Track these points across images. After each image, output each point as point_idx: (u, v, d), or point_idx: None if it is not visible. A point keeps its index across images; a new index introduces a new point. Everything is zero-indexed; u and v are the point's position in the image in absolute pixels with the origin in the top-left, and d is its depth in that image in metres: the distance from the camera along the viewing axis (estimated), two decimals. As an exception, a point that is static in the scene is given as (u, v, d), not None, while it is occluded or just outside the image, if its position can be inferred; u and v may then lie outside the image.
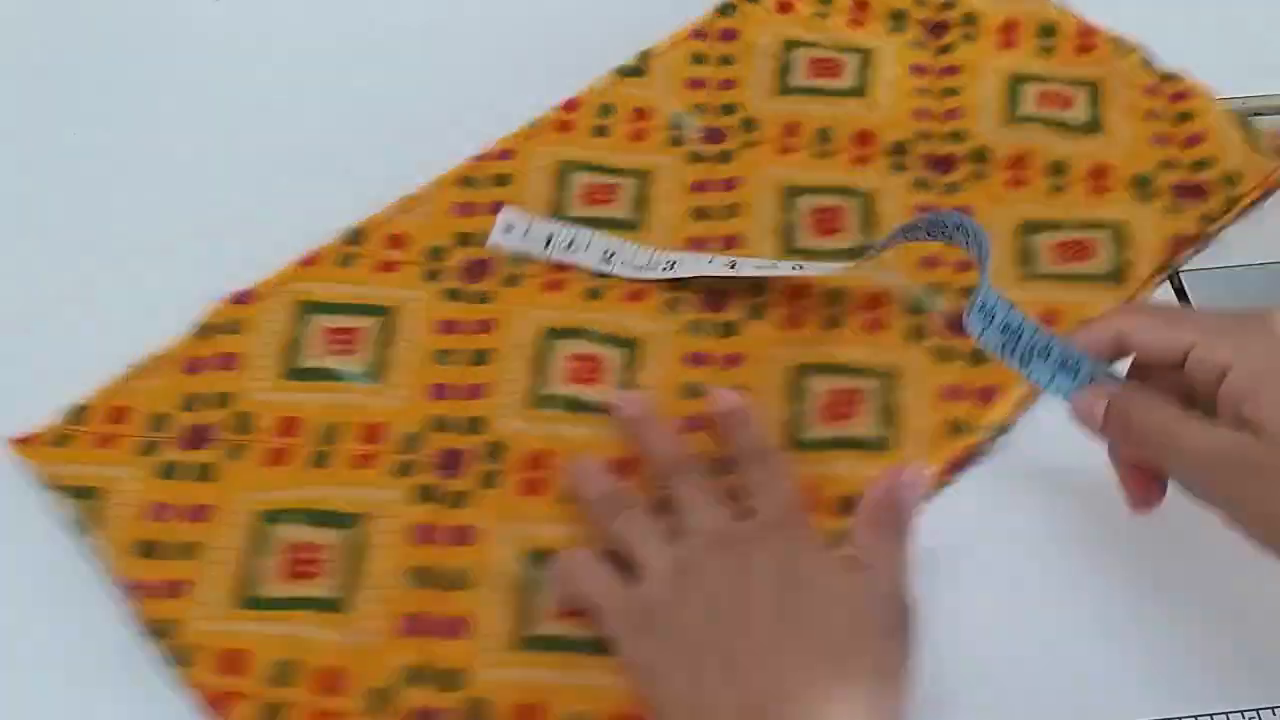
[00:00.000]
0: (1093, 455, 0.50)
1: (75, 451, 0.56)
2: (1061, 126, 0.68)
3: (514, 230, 0.64)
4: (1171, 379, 0.48)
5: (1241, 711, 0.49)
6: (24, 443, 0.56)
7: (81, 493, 0.55)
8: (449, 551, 0.54)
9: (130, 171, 0.67)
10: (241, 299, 0.61)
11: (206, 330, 0.60)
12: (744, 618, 0.47)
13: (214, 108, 0.70)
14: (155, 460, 0.56)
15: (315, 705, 0.50)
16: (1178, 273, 0.63)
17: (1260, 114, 0.70)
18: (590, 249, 0.63)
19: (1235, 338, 0.46)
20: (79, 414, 0.57)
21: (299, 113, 0.70)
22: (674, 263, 0.62)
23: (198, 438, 0.57)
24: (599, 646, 0.51)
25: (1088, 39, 0.71)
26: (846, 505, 0.55)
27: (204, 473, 0.56)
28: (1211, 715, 0.49)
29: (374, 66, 0.72)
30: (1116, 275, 0.62)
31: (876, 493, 0.50)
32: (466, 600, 0.52)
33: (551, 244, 0.63)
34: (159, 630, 0.51)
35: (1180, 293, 0.62)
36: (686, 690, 0.46)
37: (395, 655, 0.51)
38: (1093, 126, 0.68)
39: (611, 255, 0.63)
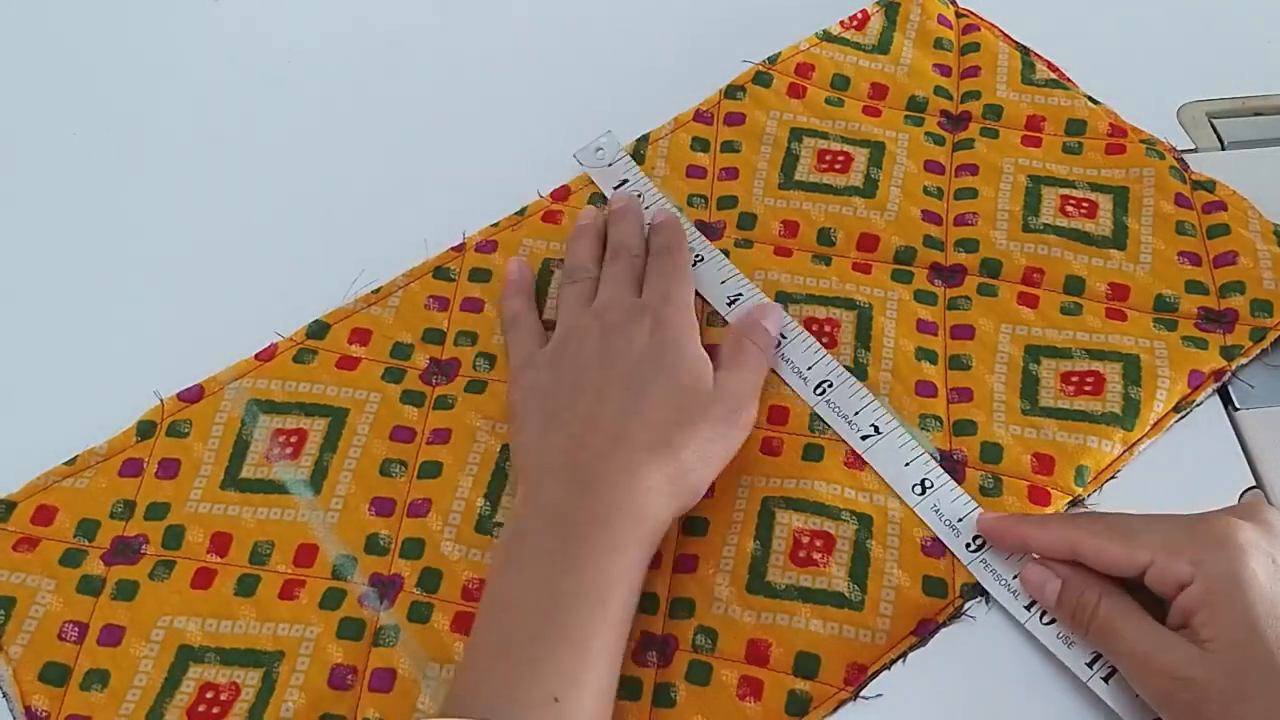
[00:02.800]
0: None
1: (-7, 552, 0.50)
2: (1082, 238, 0.58)
3: (601, 154, 0.61)
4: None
5: None
6: None
7: (-6, 602, 0.49)
8: (368, 698, 0.46)
9: (84, 253, 0.60)
10: (189, 396, 0.54)
11: (148, 429, 0.53)
12: (592, 383, 0.50)
13: (183, 190, 0.62)
14: (77, 573, 0.49)
15: None
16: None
17: (1260, 114, 0.63)
18: (650, 209, 0.59)
19: (1193, 552, 0.44)
20: (5, 511, 0.51)
21: (279, 196, 0.62)
22: (700, 258, 0.58)
23: (125, 550, 0.50)
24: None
25: (1118, 139, 0.61)
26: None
27: (124, 591, 0.49)
28: None
29: (346, 156, 0.63)
30: (1126, 418, 0.52)
31: (747, 319, 0.54)
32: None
33: (620, 189, 0.60)
34: (54, 771, 0.45)
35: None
36: (532, 437, 0.49)
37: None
38: (1117, 239, 0.58)
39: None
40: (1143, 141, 0.61)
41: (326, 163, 0.63)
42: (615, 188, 0.60)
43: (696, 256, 0.58)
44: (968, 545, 0.49)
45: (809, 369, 0.54)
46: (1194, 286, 0.56)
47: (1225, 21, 0.68)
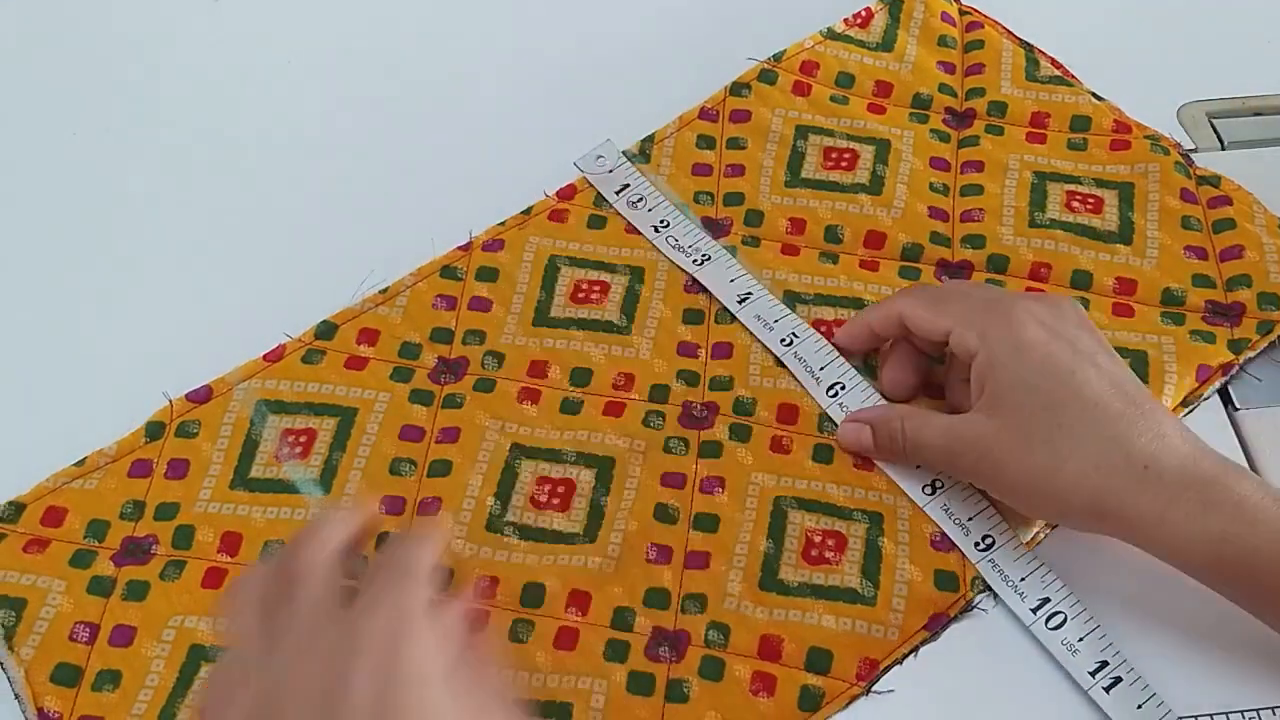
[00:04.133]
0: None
1: (4, 554, 0.49)
2: (1089, 233, 0.58)
3: (603, 161, 0.60)
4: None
5: (1241, 712, 0.46)
6: None
7: (5, 603, 0.48)
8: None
9: (88, 255, 0.60)
10: (198, 397, 0.53)
11: (157, 430, 0.53)
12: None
13: (185, 191, 0.62)
14: (87, 573, 0.49)
15: None
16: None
17: (1260, 114, 0.63)
18: (653, 211, 0.59)
19: (981, 326, 0.48)
20: (13, 512, 0.50)
21: (284, 201, 0.62)
22: (706, 258, 0.57)
23: (135, 550, 0.49)
24: None
25: (1122, 135, 0.61)
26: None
27: (135, 591, 0.48)
28: (1211, 715, 0.46)
29: (350, 156, 0.63)
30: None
31: None
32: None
33: (623, 193, 0.59)
34: (65, 771, 0.45)
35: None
36: None
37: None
38: (1123, 234, 0.58)
39: (665, 225, 0.58)
40: (1147, 137, 0.61)
41: (331, 163, 0.63)
42: (617, 192, 0.60)
43: (703, 256, 0.58)
44: (977, 545, 0.49)
45: (821, 369, 0.54)
46: (1200, 280, 0.56)
47: (1225, 21, 0.68)
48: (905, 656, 0.47)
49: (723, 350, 0.55)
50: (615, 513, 0.50)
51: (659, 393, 0.54)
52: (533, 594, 0.48)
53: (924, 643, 0.48)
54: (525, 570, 0.49)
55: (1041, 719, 0.47)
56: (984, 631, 0.48)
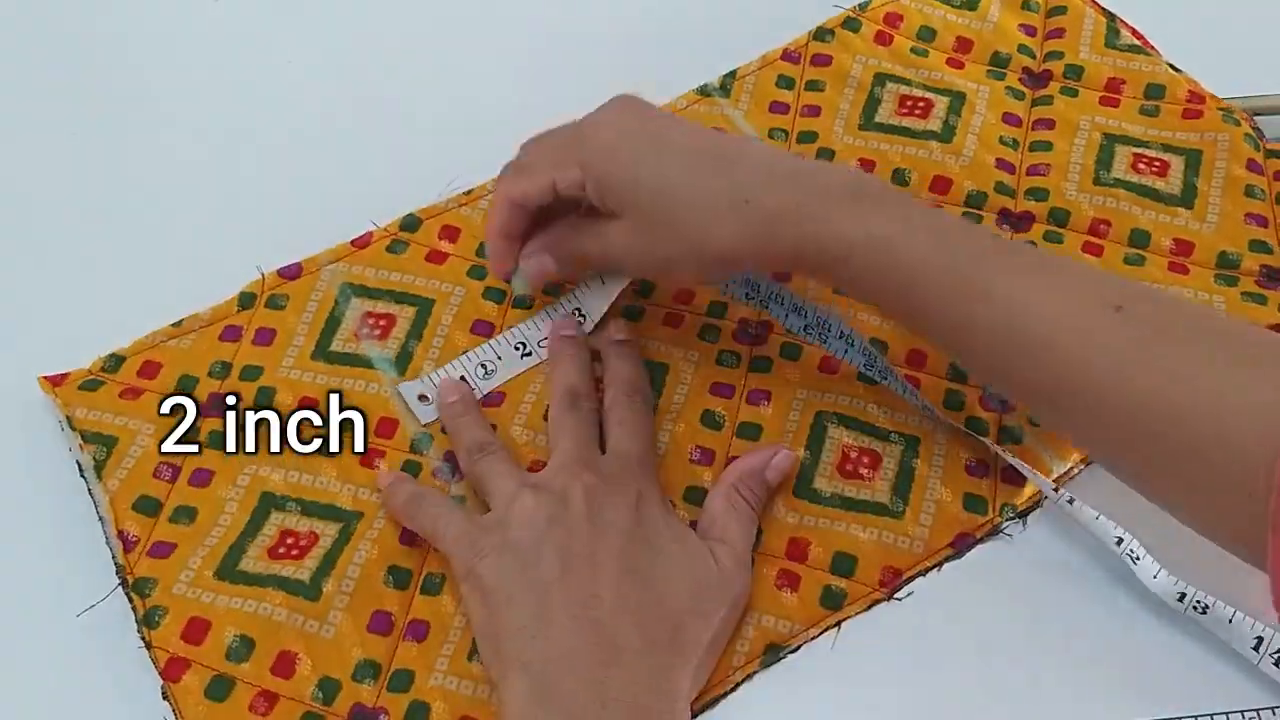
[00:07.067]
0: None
1: (102, 398, 0.54)
2: (1151, 194, 0.59)
3: (430, 401, 0.53)
4: None
5: (1241, 712, 0.47)
6: (55, 382, 0.54)
7: (99, 439, 0.52)
8: (431, 556, 0.49)
9: (197, 148, 0.64)
10: (288, 273, 0.57)
11: (249, 300, 0.57)
12: (592, 569, 0.46)
13: (288, 88, 0.67)
14: (173, 421, 0.53)
15: (264, 684, 0.46)
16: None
17: (1260, 114, 0.62)
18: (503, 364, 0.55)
19: (574, 159, 0.50)
20: (114, 363, 0.55)
21: (383, 99, 0.66)
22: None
23: (218, 405, 0.53)
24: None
25: (1195, 104, 0.62)
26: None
27: (215, 440, 0.52)
28: (1211, 715, 0.46)
29: (454, 62, 0.67)
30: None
31: (746, 465, 0.50)
32: (435, 606, 0.48)
33: (473, 379, 0.54)
34: (139, 587, 0.48)
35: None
36: (530, 623, 0.45)
37: (354, 649, 0.47)
38: (1185, 198, 0.59)
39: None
40: (1220, 109, 0.62)
41: (426, 74, 0.67)
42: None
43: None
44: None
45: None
46: (1258, 246, 0.57)
47: (1225, 22, 0.68)
48: (930, 569, 0.50)
49: (784, 275, 0.57)
50: (664, 415, 0.53)
51: (717, 309, 0.56)
52: (580, 480, 0.51)
53: (948, 559, 0.50)
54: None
55: (1055, 640, 0.48)
56: (1011, 555, 0.50)
